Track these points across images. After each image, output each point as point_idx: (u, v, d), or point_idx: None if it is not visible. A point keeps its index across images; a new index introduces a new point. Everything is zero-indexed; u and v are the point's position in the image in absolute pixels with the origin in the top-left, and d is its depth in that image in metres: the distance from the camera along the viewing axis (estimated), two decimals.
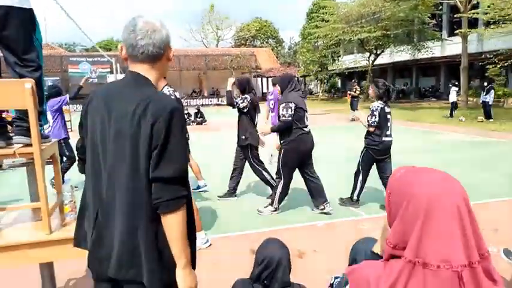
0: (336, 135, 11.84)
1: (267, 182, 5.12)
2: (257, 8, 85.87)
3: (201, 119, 16.31)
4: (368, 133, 4.58)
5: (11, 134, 2.24)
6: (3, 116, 2.37)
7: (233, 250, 3.64)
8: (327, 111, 21.81)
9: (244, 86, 5.07)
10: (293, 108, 4.26)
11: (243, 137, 4.95)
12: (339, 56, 31.55)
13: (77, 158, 1.64)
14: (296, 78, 4.88)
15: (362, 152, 4.71)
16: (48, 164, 2.23)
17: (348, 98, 16.63)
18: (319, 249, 3.62)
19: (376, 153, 4.56)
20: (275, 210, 4.60)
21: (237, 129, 5.05)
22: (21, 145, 2.09)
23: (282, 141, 4.52)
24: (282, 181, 4.48)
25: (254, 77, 34.80)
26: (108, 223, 1.34)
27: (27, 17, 2.21)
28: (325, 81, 31.09)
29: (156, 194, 1.27)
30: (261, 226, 4.22)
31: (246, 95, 4.96)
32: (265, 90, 36.74)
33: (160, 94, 1.46)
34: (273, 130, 4.65)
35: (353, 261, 1.41)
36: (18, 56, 2.16)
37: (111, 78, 15.14)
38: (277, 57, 42.32)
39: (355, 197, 4.77)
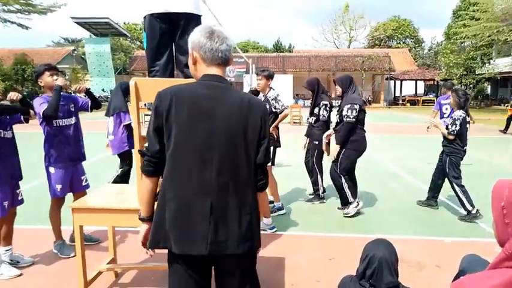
0: (482, 150, 10.55)
1: (315, 184, 5.11)
2: (395, 6, 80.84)
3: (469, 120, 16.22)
4: (449, 141, 4.58)
5: None
6: None
7: None
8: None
9: (314, 86, 5.05)
10: (357, 110, 4.36)
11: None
12: (490, 58, 27.62)
13: (148, 160, 1.58)
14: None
15: (444, 161, 4.66)
16: None
17: (510, 112, 13.63)
18: (442, 265, 3.42)
19: (459, 160, 4.56)
20: (358, 205, 4.67)
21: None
22: None
23: (336, 136, 4.59)
24: (343, 177, 4.59)
25: (386, 79, 33.08)
26: (224, 208, 1.51)
27: (200, 23, 2.68)
28: (471, 86, 27.64)
29: (260, 175, 1.63)
30: (388, 232, 4.17)
31: (325, 101, 4.91)
32: (397, 94, 34.62)
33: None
34: (342, 134, 4.53)
35: (460, 272, 1.39)
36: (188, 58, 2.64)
37: (246, 78, 16.33)
38: (414, 59, 39.30)
39: (469, 208, 4.51)
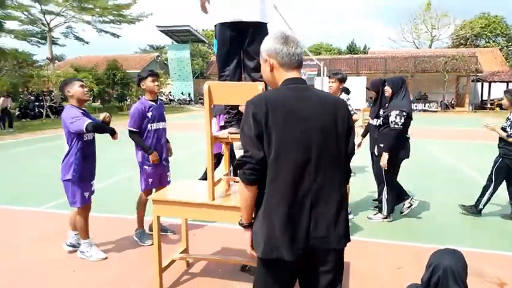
0: None
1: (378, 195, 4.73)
2: (484, 2, 73.90)
3: None
4: (504, 143, 4.49)
5: None
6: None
7: None
8: None
9: (379, 87, 4.76)
10: (406, 116, 4.23)
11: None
12: None
13: (252, 168, 1.56)
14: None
15: (496, 161, 4.64)
16: None
17: None
18: None
19: (511, 164, 4.47)
20: (385, 218, 4.53)
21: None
22: None
23: (384, 145, 4.38)
24: (386, 186, 4.42)
25: (472, 81, 30.42)
26: (324, 203, 1.59)
27: (266, 31, 2.81)
28: None
29: (348, 166, 1.77)
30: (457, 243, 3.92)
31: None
32: (485, 97, 31.64)
33: None
34: (389, 141, 4.32)
35: None
36: (255, 63, 2.78)
37: (317, 81, 16.21)
38: (506, 59, 35.60)
39: (480, 206, 4.71)
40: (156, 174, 3.92)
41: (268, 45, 1.65)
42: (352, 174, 6.29)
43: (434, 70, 29.85)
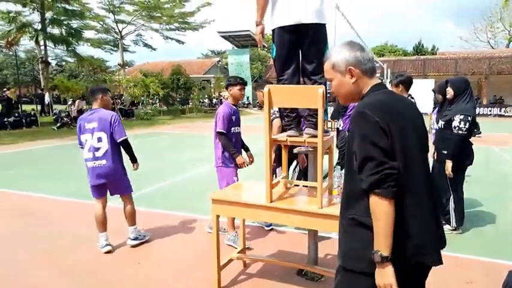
0: None
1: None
2: None
3: (475, 130, 14.52)
4: None
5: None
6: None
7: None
8: None
9: (445, 90, 4.25)
10: (471, 122, 3.96)
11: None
12: None
13: (396, 179, 1.44)
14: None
15: None
16: (326, 154, 2.77)
17: None
18: None
19: None
20: (454, 230, 4.20)
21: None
22: (310, 135, 2.71)
23: (447, 152, 4.05)
24: (452, 196, 4.11)
25: None
26: (436, 208, 1.65)
27: (325, 32, 2.79)
28: None
29: None
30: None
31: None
32: None
33: None
34: (453, 147, 3.99)
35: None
36: (313, 66, 2.77)
37: None
38: None
39: None
40: (234, 176, 4.01)
41: (345, 55, 1.61)
42: None
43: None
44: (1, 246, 3.95)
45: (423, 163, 1.58)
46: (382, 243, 1.41)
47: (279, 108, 3.46)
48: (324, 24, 2.75)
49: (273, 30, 2.83)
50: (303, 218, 2.59)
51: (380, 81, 1.67)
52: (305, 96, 2.51)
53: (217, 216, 2.97)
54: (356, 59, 1.59)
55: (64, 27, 21.21)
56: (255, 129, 15.37)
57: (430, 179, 1.60)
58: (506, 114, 25.37)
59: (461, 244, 4.02)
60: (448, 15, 79.04)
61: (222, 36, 32.41)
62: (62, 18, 21.46)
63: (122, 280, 3.26)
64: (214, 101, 32.69)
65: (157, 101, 25.20)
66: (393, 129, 1.46)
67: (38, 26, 21.07)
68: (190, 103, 27.68)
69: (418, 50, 46.01)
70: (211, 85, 31.73)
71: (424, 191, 1.54)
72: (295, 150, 3.08)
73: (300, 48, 2.78)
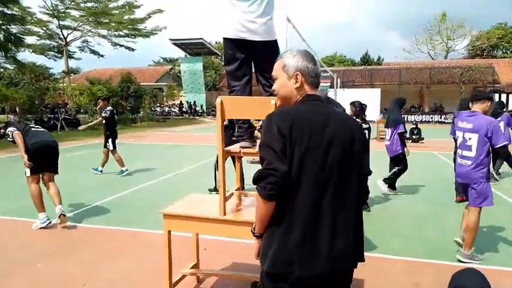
0: None
1: None
2: (501, 13, 73.06)
3: (418, 136, 15.36)
4: None
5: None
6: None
7: None
8: None
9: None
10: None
11: None
12: None
13: (274, 182, 1.50)
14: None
15: None
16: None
17: None
18: None
19: None
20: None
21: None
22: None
23: None
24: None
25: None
26: (342, 224, 1.57)
27: (277, 47, 2.81)
28: None
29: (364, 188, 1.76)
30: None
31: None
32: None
33: None
34: None
35: None
36: (268, 80, 2.77)
37: (330, 93, 16.17)
38: None
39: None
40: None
41: (298, 62, 1.68)
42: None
43: (450, 81, 29.52)
44: None
45: (328, 178, 1.54)
46: (257, 226, 1.66)
47: (232, 120, 3.42)
48: (275, 40, 2.77)
49: (224, 38, 2.79)
50: None
51: (318, 95, 1.71)
52: (258, 107, 2.48)
53: (169, 232, 2.84)
54: (306, 68, 1.67)
55: (2, 32, 19.81)
56: (208, 139, 15.29)
57: (336, 194, 1.55)
58: (446, 121, 27.29)
59: (407, 247, 4.18)
60: (393, 27, 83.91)
61: (175, 44, 31.97)
62: (0, 22, 20.05)
63: None
64: (166, 109, 32.03)
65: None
66: (296, 136, 1.51)
67: None
68: (142, 112, 26.89)
69: (365, 60, 48.31)
70: (164, 93, 31.08)
71: (314, 202, 1.53)
72: (248, 161, 3.04)
73: (251, 61, 2.78)
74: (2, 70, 36.20)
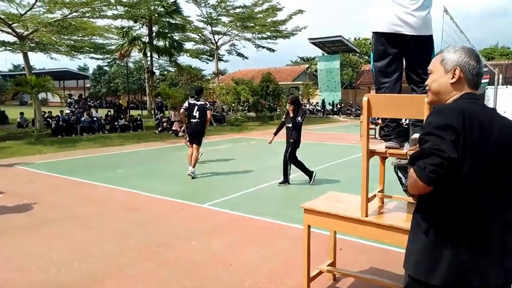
0: None
1: None
2: None
3: None
4: None
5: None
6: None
7: None
8: None
9: None
10: None
11: None
12: None
13: (438, 164, 1.37)
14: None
15: None
16: None
17: None
18: None
19: None
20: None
21: None
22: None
23: None
24: None
25: None
26: (510, 233, 1.47)
27: (432, 42, 2.62)
28: None
29: None
30: None
31: None
32: None
33: None
34: None
35: None
36: (420, 77, 2.61)
37: (489, 91, 14.05)
38: None
39: None
40: None
41: (459, 56, 1.58)
42: None
43: None
44: (112, 238, 4.42)
45: (496, 178, 1.45)
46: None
47: (379, 118, 3.33)
48: (430, 35, 2.59)
49: (374, 33, 2.73)
50: (400, 235, 2.42)
51: (476, 93, 1.61)
52: (409, 105, 2.35)
53: (309, 226, 2.93)
54: (467, 64, 1.56)
55: (168, 39, 23.23)
56: (342, 138, 15.07)
57: (505, 199, 1.46)
58: None
59: None
60: None
61: (313, 43, 32.32)
62: (166, 31, 23.54)
63: (217, 279, 3.41)
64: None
65: (247, 107, 26.06)
66: (469, 134, 1.40)
67: (146, 39, 23.41)
68: (278, 110, 28.05)
69: None
70: (300, 92, 31.78)
71: (485, 206, 1.45)
72: (392, 163, 2.91)
73: (404, 57, 2.65)
74: (165, 72, 42.53)
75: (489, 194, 1.45)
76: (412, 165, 1.43)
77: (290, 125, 6.78)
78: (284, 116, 7.22)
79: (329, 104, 33.25)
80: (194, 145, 7.63)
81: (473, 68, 1.56)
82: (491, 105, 10.74)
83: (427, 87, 1.69)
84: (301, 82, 34.20)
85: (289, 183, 6.90)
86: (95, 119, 16.93)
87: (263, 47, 30.85)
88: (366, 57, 41.85)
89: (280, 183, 6.91)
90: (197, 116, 7.54)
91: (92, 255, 3.89)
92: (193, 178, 7.45)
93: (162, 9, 22.35)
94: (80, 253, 3.94)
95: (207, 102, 8.24)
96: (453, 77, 1.57)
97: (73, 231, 4.60)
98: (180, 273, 3.53)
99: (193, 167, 7.55)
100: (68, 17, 16.95)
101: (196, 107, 7.55)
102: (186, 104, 7.75)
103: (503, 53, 41.96)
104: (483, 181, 1.44)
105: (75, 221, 4.99)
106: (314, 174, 7.01)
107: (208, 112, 7.69)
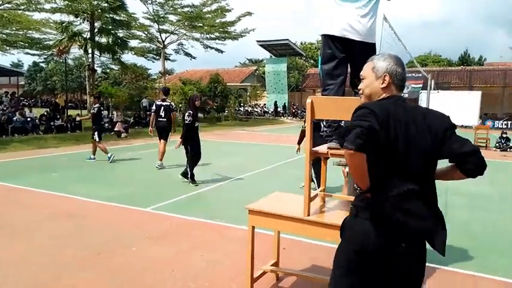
0: None
1: None
2: None
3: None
4: None
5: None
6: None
7: None
8: None
9: None
10: None
11: None
12: None
13: (359, 133, 1.58)
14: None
15: None
16: None
17: None
18: None
19: None
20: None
21: None
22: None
23: None
24: None
25: None
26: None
27: (374, 51, 2.76)
28: None
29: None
30: None
31: None
32: None
33: None
34: None
35: None
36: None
37: (423, 95, 15.08)
38: None
39: None
40: None
41: (388, 64, 1.79)
42: None
43: None
44: (49, 247, 4.09)
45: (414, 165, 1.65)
46: (358, 183, 1.74)
47: (321, 120, 3.41)
48: (374, 43, 2.73)
49: (322, 36, 2.81)
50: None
51: (401, 95, 1.81)
52: (349, 108, 2.42)
53: (253, 227, 2.92)
54: (395, 71, 1.78)
55: (111, 36, 22.20)
56: (286, 140, 15.35)
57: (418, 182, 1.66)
58: None
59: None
60: (498, 24, 75.36)
61: (261, 45, 32.71)
62: (110, 27, 22.49)
63: (161, 285, 3.28)
64: (249, 109, 32.89)
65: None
66: (392, 124, 1.61)
67: (87, 35, 22.21)
68: (226, 111, 28.00)
69: (464, 60, 44.20)
70: (248, 93, 32.01)
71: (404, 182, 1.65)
72: (334, 163, 3.00)
73: (350, 62, 2.76)
74: (108, 70, 40.73)
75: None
76: (342, 146, 1.63)
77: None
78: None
79: (282, 106, 33.85)
80: (162, 140, 8.57)
81: (400, 74, 1.78)
82: None
83: (360, 92, 1.84)
84: (249, 84, 34.45)
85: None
86: (28, 119, 15.73)
87: (211, 48, 30.62)
88: (312, 61, 43.17)
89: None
90: (163, 116, 8.50)
91: (28, 266, 3.58)
92: (160, 169, 8.28)
93: (105, 4, 21.27)
94: (13, 265, 3.60)
95: (173, 104, 9.03)
96: (383, 82, 1.77)
97: (5, 242, 4.21)
98: (122, 281, 3.35)
99: (161, 160, 8.46)
100: (0, 8, 15.59)
101: (162, 108, 8.51)
102: (153, 107, 8.74)
103: (435, 60, 45.40)
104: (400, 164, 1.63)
105: (7, 230, 4.57)
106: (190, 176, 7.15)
107: (173, 113, 8.65)
